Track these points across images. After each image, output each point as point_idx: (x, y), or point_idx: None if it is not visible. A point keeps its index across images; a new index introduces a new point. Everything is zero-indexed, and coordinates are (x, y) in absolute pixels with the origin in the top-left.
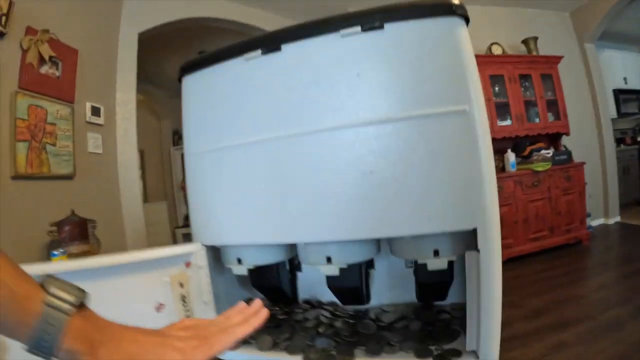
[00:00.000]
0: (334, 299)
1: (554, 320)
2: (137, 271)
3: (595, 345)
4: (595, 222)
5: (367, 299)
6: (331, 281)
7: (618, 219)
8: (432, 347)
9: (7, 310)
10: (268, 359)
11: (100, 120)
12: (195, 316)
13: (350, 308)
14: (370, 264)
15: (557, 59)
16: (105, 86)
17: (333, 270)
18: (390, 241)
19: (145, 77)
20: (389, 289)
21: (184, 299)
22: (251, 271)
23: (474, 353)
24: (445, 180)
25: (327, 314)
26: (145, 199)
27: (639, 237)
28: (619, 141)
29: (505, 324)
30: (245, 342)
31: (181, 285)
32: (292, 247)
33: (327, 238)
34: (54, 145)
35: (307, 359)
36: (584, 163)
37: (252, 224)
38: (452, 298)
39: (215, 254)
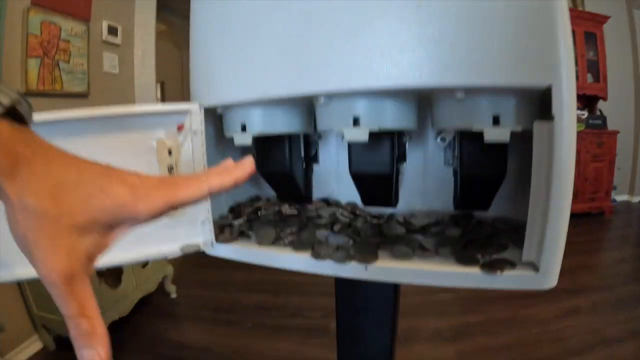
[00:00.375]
0: (354, 200)
1: (570, 285)
2: (117, 131)
3: (611, 317)
4: (619, 197)
5: (395, 200)
6: (356, 164)
7: None
8: (478, 256)
9: None
10: (267, 253)
11: (117, 40)
12: None
13: (374, 210)
14: (402, 154)
15: (604, 19)
16: (123, 5)
17: (361, 134)
18: (434, 105)
19: (167, 5)
20: (420, 193)
21: (171, 169)
22: (258, 153)
23: (532, 265)
24: (513, 19)
25: (345, 212)
26: None
27: None
28: None
29: None
30: (242, 234)
31: (169, 152)
32: (309, 117)
33: (357, 86)
34: (67, 62)
35: (316, 255)
36: (617, 132)
37: (263, 74)
38: (494, 211)
39: (216, 128)
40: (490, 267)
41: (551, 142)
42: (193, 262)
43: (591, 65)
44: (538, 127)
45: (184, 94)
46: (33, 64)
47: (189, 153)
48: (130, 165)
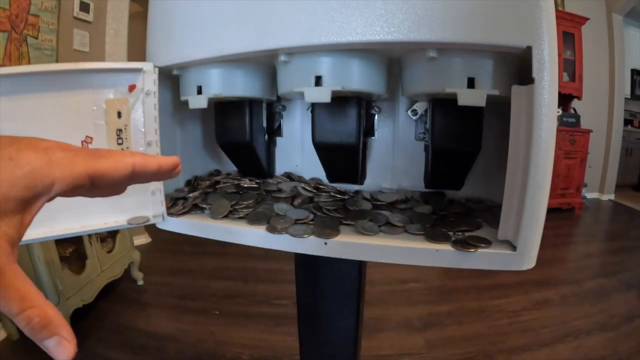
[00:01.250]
0: (319, 177)
1: (539, 277)
2: (62, 89)
3: (580, 310)
4: (589, 195)
5: (362, 176)
6: (320, 133)
7: (612, 196)
8: (450, 233)
9: None
10: (220, 227)
11: (88, 17)
12: None
13: (339, 187)
14: (370, 128)
15: (583, 20)
16: None
17: (323, 94)
18: (404, 70)
19: None
20: (389, 170)
21: (119, 133)
22: (218, 121)
23: (509, 244)
24: None
25: (308, 187)
26: None
27: (629, 217)
28: (626, 122)
29: (488, 271)
30: (196, 207)
31: (119, 114)
32: (271, 83)
33: (320, 41)
34: (35, 38)
35: (272, 229)
36: (590, 131)
37: (220, 30)
38: (465, 191)
39: (173, 94)
40: (463, 244)
41: (531, 107)
42: (161, 248)
43: (568, 65)
44: (517, 91)
45: None
46: (0, 39)
47: (140, 116)
48: (77, 128)
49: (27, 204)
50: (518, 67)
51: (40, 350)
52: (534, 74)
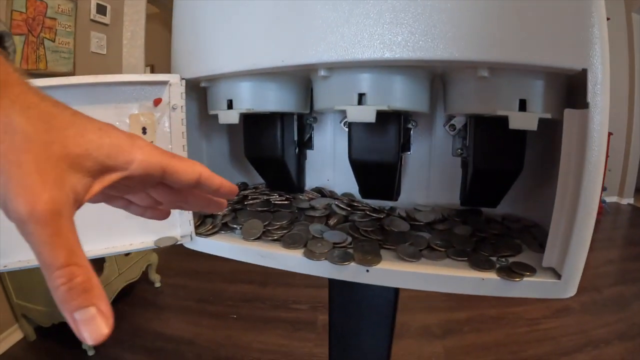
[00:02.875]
0: (350, 191)
1: None
2: (83, 103)
3: (599, 318)
4: (608, 199)
5: (397, 193)
6: (357, 151)
7: (631, 200)
8: (493, 259)
9: None
10: (253, 250)
11: (105, 20)
12: None
13: (372, 203)
14: (406, 143)
15: None
16: None
17: (367, 114)
18: (449, 87)
19: None
20: (424, 186)
21: None
22: (247, 135)
23: (552, 271)
24: None
25: (341, 204)
26: None
27: None
28: None
29: None
30: (225, 226)
31: (144, 130)
32: (304, 95)
33: (364, 57)
34: (52, 40)
35: (310, 254)
36: (611, 133)
37: (254, 42)
38: (501, 209)
39: (200, 106)
40: (508, 273)
41: (584, 133)
42: (178, 250)
43: None
44: (569, 115)
45: None
46: (17, 42)
47: (166, 131)
48: None
49: (102, 171)
50: (567, 88)
51: (57, 351)
52: (589, 99)
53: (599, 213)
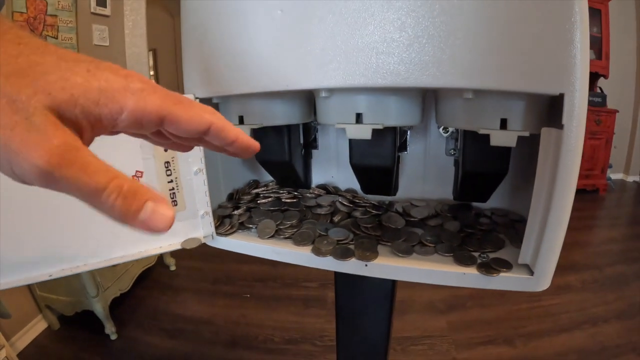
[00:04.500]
0: (353, 186)
1: (561, 261)
2: None
3: (599, 296)
4: (614, 176)
5: (395, 189)
6: (357, 156)
7: (637, 178)
8: (475, 254)
9: None
10: (268, 247)
11: (106, 11)
12: (183, 191)
13: (373, 198)
14: (403, 144)
15: None
16: None
17: (364, 132)
18: (440, 102)
19: None
20: (420, 181)
21: (167, 165)
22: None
23: (527, 267)
24: (528, 22)
25: (345, 201)
26: None
27: None
28: None
29: None
30: (242, 225)
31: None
32: (309, 107)
33: (360, 83)
34: (55, 37)
35: (317, 251)
36: (617, 111)
37: (262, 67)
38: (491, 203)
39: None
40: (487, 268)
41: (558, 150)
42: None
43: (594, 42)
44: (546, 134)
45: (177, 61)
46: None
47: None
48: (126, 164)
49: (91, 122)
50: (548, 105)
51: (81, 338)
52: (564, 121)
53: (604, 190)
